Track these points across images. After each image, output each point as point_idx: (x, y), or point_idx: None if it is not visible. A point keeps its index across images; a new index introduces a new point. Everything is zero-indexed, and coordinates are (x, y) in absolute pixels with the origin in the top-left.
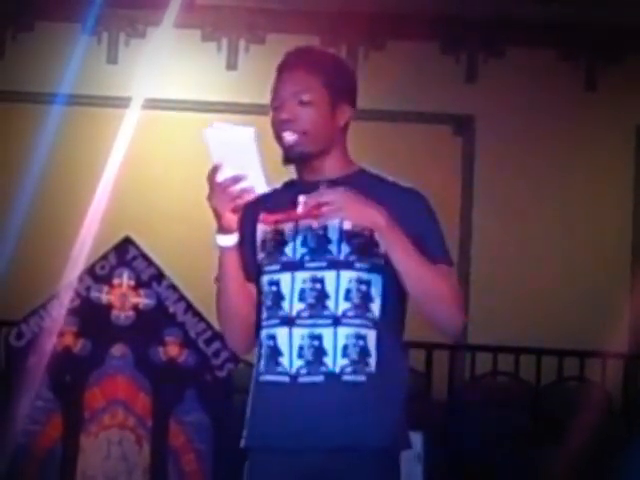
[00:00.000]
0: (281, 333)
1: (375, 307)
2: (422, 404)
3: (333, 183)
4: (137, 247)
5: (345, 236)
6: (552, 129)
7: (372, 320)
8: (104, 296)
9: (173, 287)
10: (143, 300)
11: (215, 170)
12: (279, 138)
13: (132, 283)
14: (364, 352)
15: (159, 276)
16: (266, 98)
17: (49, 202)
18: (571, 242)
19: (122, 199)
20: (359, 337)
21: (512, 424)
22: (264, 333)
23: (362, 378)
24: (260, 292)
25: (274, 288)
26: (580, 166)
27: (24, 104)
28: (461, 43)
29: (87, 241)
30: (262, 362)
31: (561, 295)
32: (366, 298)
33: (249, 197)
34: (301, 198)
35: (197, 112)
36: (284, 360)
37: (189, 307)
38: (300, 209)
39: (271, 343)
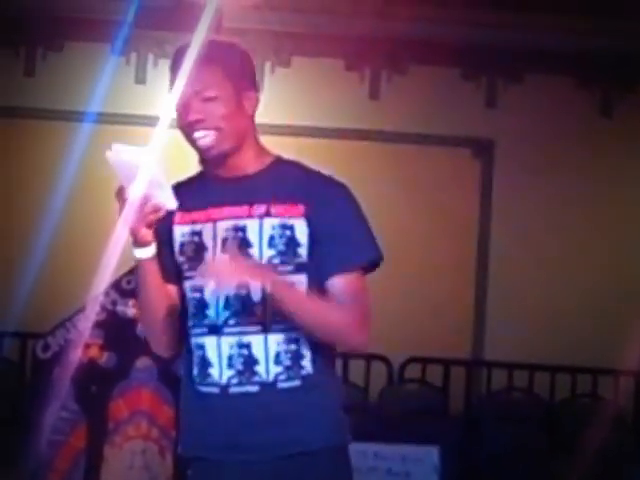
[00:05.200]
0: (209, 342)
1: None
2: (439, 419)
3: (249, 178)
4: None
5: (266, 238)
6: (569, 154)
7: None
8: (129, 310)
9: None
10: None
11: (121, 190)
12: (192, 140)
13: None
14: (297, 356)
15: None
16: (291, 119)
17: (77, 217)
18: (585, 263)
19: None
20: (290, 341)
21: (527, 439)
22: (193, 341)
23: (297, 383)
24: (183, 296)
25: (197, 295)
26: (596, 190)
27: (54, 122)
28: (481, 69)
29: (114, 256)
30: (195, 371)
31: (575, 314)
32: None
33: (161, 214)
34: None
35: None
36: (214, 371)
37: None
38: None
39: (200, 353)
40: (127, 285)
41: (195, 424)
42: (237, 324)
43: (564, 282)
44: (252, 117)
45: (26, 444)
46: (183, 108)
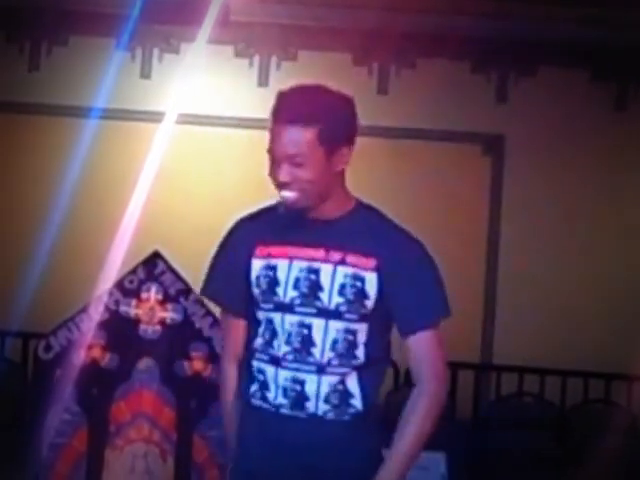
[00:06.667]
0: (269, 370)
1: (360, 353)
2: (446, 424)
3: (329, 223)
4: (165, 262)
5: (337, 285)
6: (582, 149)
7: (355, 366)
8: (132, 310)
9: (200, 302)
10: (170, 314)
11: None
12: (279, 191)
13: (160, 297)
14: (346, 395)
15: (186, 291)
16: None
17: (81, 215)
18: (599, 263)
19: (153, 213)
20: (340, 382)
21: (537, 444)
22: (255, 365)
23: (346, 418)
24: (255, 324)
25: (270, 326)
26: (610, 186)
27: (58, 117)
28: (492, 63)
29: (117, 255)
30: (254, 387)
31: (587, 317)
32: (352, 347)
33: None
34: None
35: (228, 127)
36: (270, 395)
37: (215, 322)
38: None
39: (261, 377)
40: (130, 285)
41: (248, 436)
42: (294, 360)
43: (576, 283)
44: (342, 170)
45: (28, 446)
46: (276, 167)
